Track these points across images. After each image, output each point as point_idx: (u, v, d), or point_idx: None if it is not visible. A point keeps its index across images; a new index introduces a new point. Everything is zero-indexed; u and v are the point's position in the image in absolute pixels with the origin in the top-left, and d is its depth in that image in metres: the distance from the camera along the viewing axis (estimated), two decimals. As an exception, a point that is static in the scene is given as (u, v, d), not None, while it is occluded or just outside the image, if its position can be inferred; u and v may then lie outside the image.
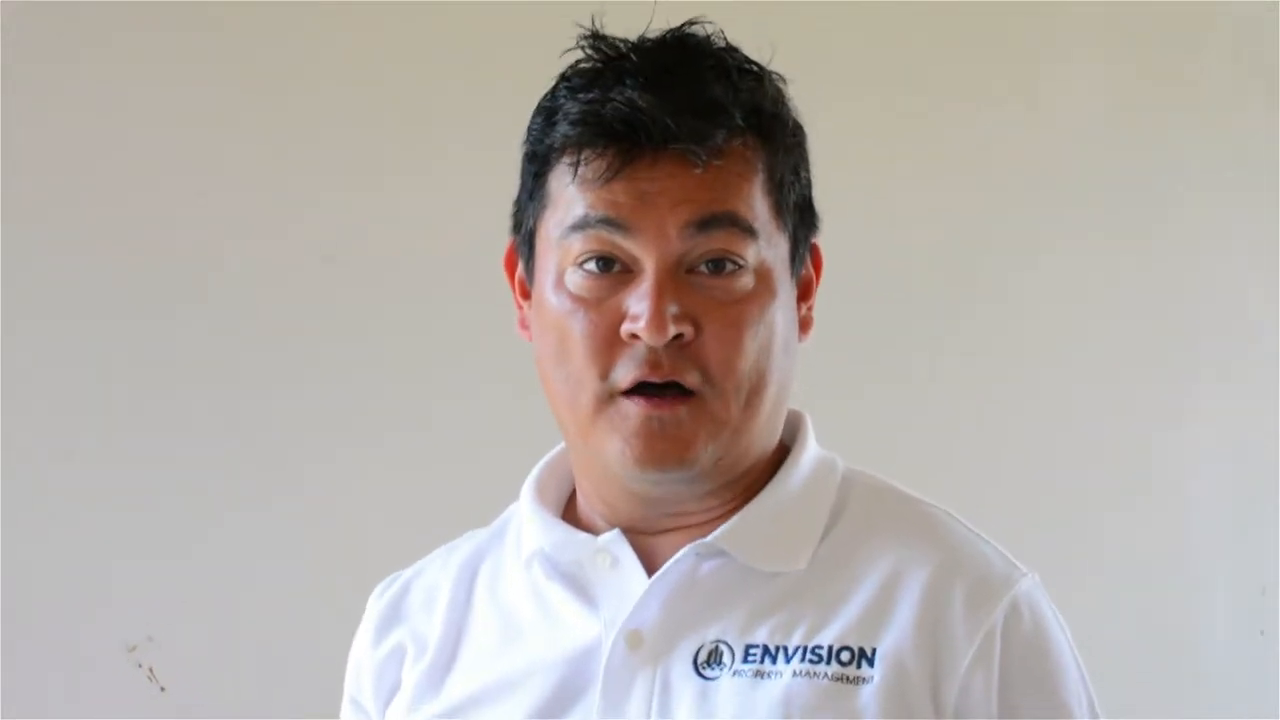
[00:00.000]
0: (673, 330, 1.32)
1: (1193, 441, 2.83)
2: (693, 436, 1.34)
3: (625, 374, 1.34)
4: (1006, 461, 2.75)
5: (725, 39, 1.40)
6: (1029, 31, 2.81)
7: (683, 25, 1.40)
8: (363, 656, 1.52)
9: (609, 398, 1.35)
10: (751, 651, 1.34)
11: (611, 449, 1.35)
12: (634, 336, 1.33)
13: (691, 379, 1.34)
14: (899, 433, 2.65)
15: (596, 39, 1.39)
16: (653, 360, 1.33)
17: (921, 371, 2.75)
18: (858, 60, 2.71)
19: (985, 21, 2.79)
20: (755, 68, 1.40)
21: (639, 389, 1.34)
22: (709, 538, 1.38)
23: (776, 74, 1.41)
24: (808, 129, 1.44)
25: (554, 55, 1.42)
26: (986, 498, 2.58)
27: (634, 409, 1.34)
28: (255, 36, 2.63)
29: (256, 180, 2.62)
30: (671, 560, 1.38)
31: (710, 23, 1.40)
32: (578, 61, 1.40)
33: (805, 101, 1.44)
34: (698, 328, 1.34)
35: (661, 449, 1.34)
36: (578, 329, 1.35)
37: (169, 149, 2.59)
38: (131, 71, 2.60)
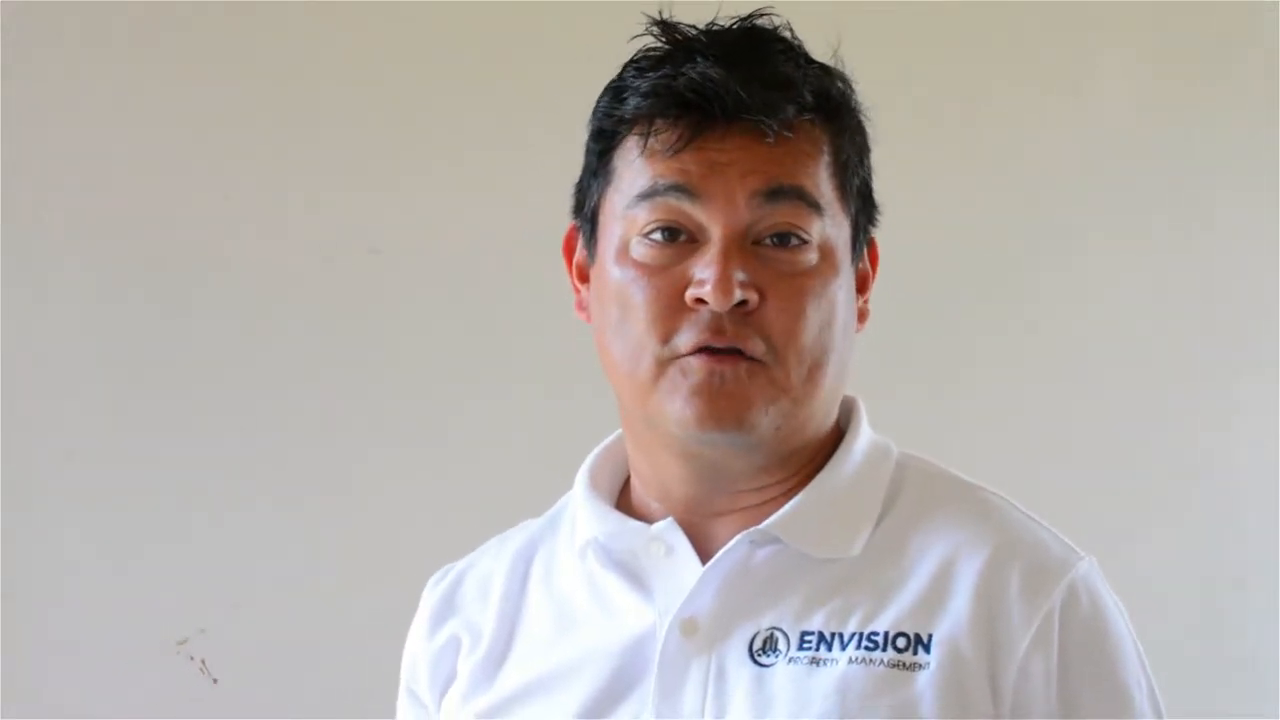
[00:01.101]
0: (738, 295, 1.33)
1: (1233, 440, 2.81)
2: (754, 397, 1.34)
3: (688, 339, 1.34)
4: (1041, 461, 2.73)
5: (792, 31, 1.42)
6: (1062, 32, 2.78)
7: (749, 15, 1.41)
8: (418, 647, 1.53)
9: (670, 360, 1.35)
10: (807, 638, 1.34)
11: (672, 408, 1.35)
12: (699, 301, 1.34)
13: (755, 346, 1.34)
14: (932, 433, 2.63)
15: (665, 26, 1.40)
16: (716, 326, 1.34)
17: (955, 370, 2.74)
18: (890, 61, 2.69)
19: (1019, 23, 2.78)
20: (820, 61, 1.42)
21: (700, 351, 1.34)
22: (763, 525, 1.38)
23: (841, 72, 1.43)
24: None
25: (603, 50, 1.43)
26: (1022, 496, 2.59)
27: (695, 364, 1.34)
28: (259, 33, 2.63)
29: (263, 178, 2.63)
30: (725, 548, 1.37)
31: (777, 15, 1.42)
32: (645, 48, 1.41)
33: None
34: (762, 297, 1.34)
35: (722, 406, 1.34)
36: (640, 295, 1.36)
37: (170, 147, 2.60)
38: (133, 71, 2.61)
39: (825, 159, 1.38)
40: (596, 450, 1.51)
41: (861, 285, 1.45)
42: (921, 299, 2.68)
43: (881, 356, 2.54)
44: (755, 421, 1.35)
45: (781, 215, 1.36)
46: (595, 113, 1.42)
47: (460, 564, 1.56)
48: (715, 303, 1.33)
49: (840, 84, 1.41)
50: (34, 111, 2.57)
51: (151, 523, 2.56)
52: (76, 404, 2.57)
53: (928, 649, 1.31)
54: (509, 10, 2.64)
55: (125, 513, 2.56)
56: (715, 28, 1.40)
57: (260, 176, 2.62)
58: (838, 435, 1.45)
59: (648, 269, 1.36)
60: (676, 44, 1.39)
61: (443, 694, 1.49)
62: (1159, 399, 2.78)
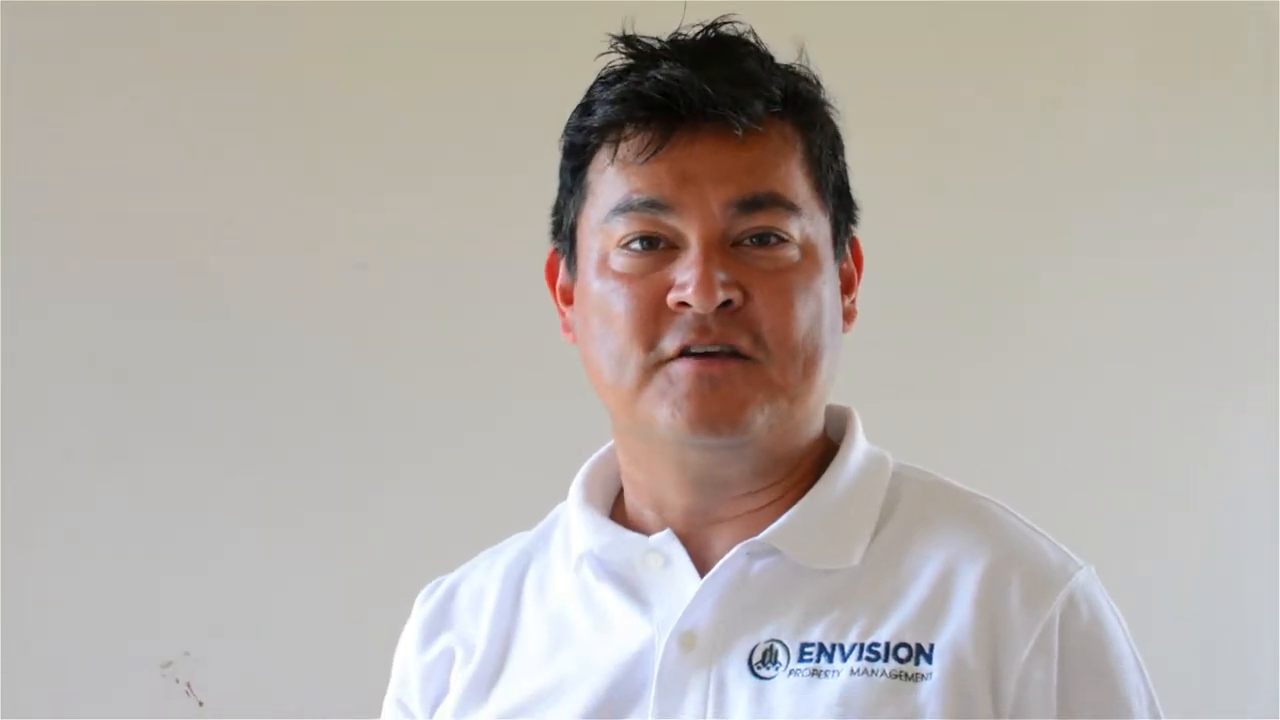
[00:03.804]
0: (721, 296, 1.32)
1: (1233, 443, 2.81)
2: (748, 397, 1.33)
3: (672, 342, 1.33)
4: (1041, 462, 2.74)
5: (755, 35, 1.41)
6: (1056, 36, 2.79)
7: (714, 22, 1.41)
8: (409, 659, 1.51)
9: (655, 367, 1.34)
10: (807, 650, 1.33)
11: (661, 415, 1.34)
12: (682, 305, 1.33)
13: (744, 343, 1.33)
14: (929, 437, 2.63)
15: (629, 40, 1.40)
16: (701, 326, 1.33)
17: (949, 378, 2.74)
18: (883, 66, 2.70)
19: (1012, 27, 2.78)
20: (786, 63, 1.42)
21: (686, 354, 1.33)
22: (760, 536, 1.36)
23: (809, 72, 1.42)
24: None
25: (585, 60, 1.43)
26: (1022, 494, 2.58)
27: (683, 369, 1.33)
28: (247, 50, 2.62)
29: (250, 193, 2.61)
30: (723, 560, 1.36)
31: (741, 21, 1.41)
32: (610, 64, 1.40)
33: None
34: (746, 296, 1.33)
35: (715, 410, 1.33)
36: (621, 304, 1.35)
37: (157, 162, 2.59)
38: (123, 88, 2.59)
39: (798, 156, 1.38)
40: (589, 462, 1.50)
41: (847, 285, 1.44)
42: (914, 306, 2.68)
43: (874, 363, 2.55)
44: (750, 420, 1.34)
45: (759, 220, 1.35)
46: (566, 130, 1.42)
47: (451, 577, 1.54)
48: (698, 304, 1.32)
49: (808, 82, 1.41)
50: (36, 112, 2.56)
51: (136, 544, 2.54)
52: (62, 425, 2.55)
53: (930, 659, 1.31)
54: (496, 23, 2.63)
55: (110, 534, 2.54)
56: (679, 37, 1.40)
57: (247, 191, 2.60)
58: (827, 444, 1.44)
59: (628, 278, 1.35)
60: (641, 55, 1.39)
61: (434, 707, 1.48)
62: (1159, 398, 2.79)
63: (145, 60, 2.60)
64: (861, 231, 1.46)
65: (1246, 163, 2.81)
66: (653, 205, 1.34)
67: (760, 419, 1.34)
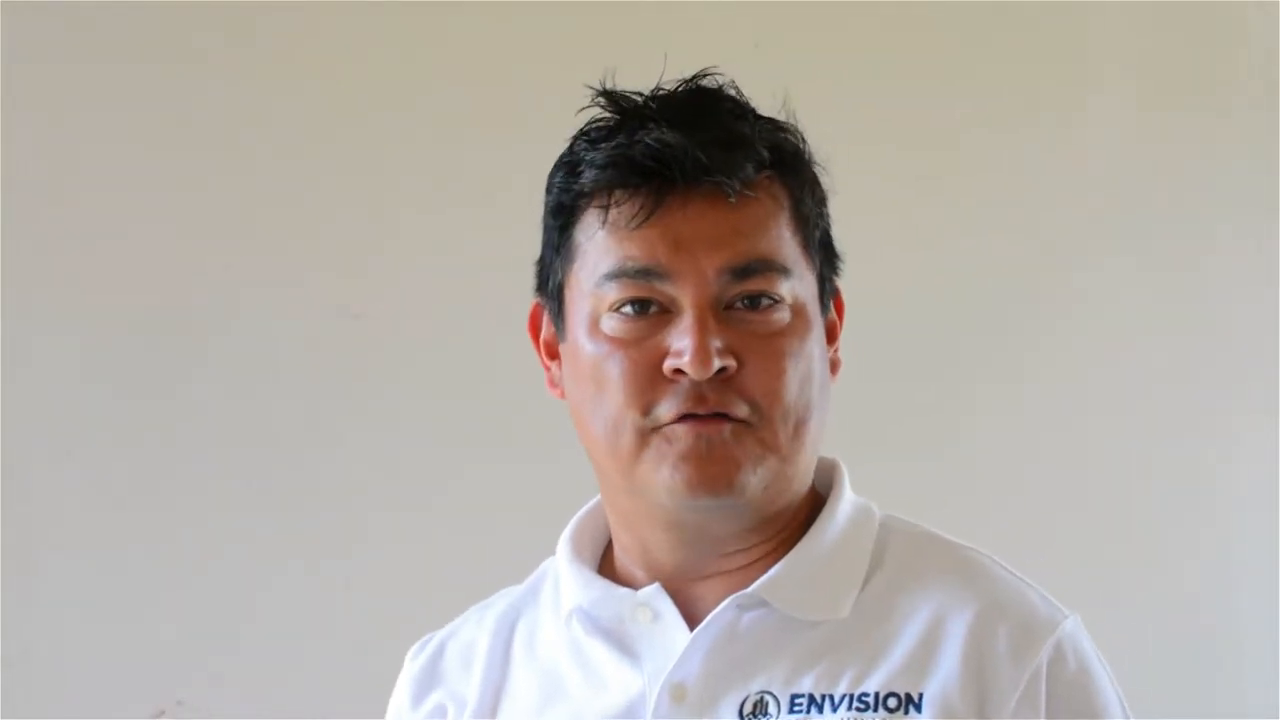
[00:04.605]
0: (717, 363, 1.33)
1: (1235, 456, 2.83)
2: (742, 458, 1.35)
3: (669, 410, 1.34)
4: (1036, 479, 2.75)
5: (737, 88, 1.42)
6: (1061, 54, 2.80)
7: (695, 77, 1.42)
8: (402, 715, 1.51)
9: (652, 431, 1.35)
10: (798, 701, 1.34)
11: (660, 479, 1.35)
12: (678, 372, 1.34)
13: (739, 410, 1.34)
14: (928, 474, 2.65)
15: (610, 95, 1.40)
16: (697, 394, 1.34)
17: (958, 397, 2.74)
18: (883, 88, 2.71)
19: (1015, 47, 2.79)
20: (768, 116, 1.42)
21: (683, 419, 1.34)
22: (750, 588, 1.38)
23: (791, 124, 1.43)
24: (834, 164, 1.45)
25: (574, 107, 1.43)
26: (1030, 524, 2.61)
27: (680, 430, 1.34)
28: (240, 95, 2.63)
29: (246, 242, 2.62)
30: (713, 613, 1.38)
31: (721, 74, 1.42)
32: (593, 119, 1.41)
33: (829, 137, 1.45)
34: (740, 361, 1.34)
35: (713, 471, 1.34)
36: (616, 369, 1.36)
37: (181, 152, 2.60)
38: (140, 73, 2.61)
39: (786, 215, 1.39)
40: (577, 516, 1.51)
41: (831, 335, 1.45)
42: (912, 341, 2.69)
43: (876, 402, 2.57)
44: (744, 483, 1.35)
45: (751, 285, 1.36)
46: (550, 188, 1.42)
47: (441, 633, 1.55)
48: (695, 372, 1.33)
49: (792, 136, 1.42)
50: (35, 117, 2.58)
51: (129, 590, 2.54)
52: (52, 467, 2.56)
53: (919, 708, 1.32)
54: (483, 74, 2.65)
55: (102, 579, 2.54)
56: (661, 92, 1.40)
57: (248, 189, 2.61)
58: (815, 496, 1.45)
59: (621, 342, 1.36)
60: (625, 112, 1.39)
61: (426, 763, 1.48)
62: (1159, 420, 2.79)
63: (145, 61, 2.61)
64: (852, 257, 1.47)
65: (1246, 184, 2.81)
66: (647, 273, 1.35)
67: (754, 481, 1.36)
